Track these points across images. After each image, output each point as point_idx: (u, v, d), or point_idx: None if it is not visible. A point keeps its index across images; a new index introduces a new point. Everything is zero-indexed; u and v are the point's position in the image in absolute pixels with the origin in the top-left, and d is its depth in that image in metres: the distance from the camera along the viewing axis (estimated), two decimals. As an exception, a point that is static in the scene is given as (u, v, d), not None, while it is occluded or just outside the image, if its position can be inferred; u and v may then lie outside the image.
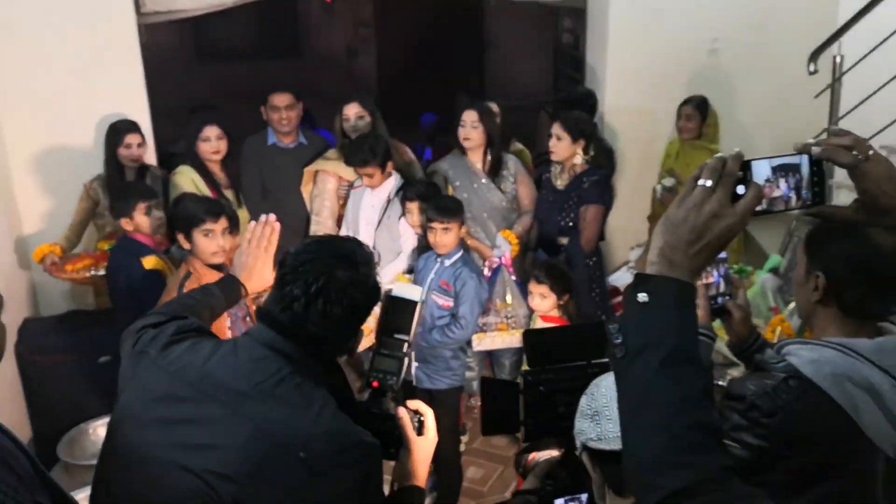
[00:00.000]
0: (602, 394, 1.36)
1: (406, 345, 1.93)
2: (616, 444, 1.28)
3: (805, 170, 1.19)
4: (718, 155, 1.13)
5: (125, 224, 3.53)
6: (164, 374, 1.56)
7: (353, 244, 1.69)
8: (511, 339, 3.96)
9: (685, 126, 4.57)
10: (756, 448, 1.51)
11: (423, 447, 1.75)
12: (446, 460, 3.68)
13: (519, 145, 4.66)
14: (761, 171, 1.16)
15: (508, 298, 4.02)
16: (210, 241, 3.08)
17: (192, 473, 1.44)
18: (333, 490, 1.45)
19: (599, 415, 1.34)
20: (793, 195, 1.18)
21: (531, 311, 3.87)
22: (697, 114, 4.53)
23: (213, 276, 3.12)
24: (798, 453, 1.51)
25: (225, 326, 3.18)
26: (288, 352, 1.55)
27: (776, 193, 1.17)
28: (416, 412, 1.77)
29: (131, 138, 4.07)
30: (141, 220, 3.53)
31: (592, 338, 1.68)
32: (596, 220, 4.01)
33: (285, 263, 1.62)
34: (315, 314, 1.55)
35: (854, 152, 1.20)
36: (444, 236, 3.53)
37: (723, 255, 1.97)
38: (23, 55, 4.07)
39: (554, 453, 1.74)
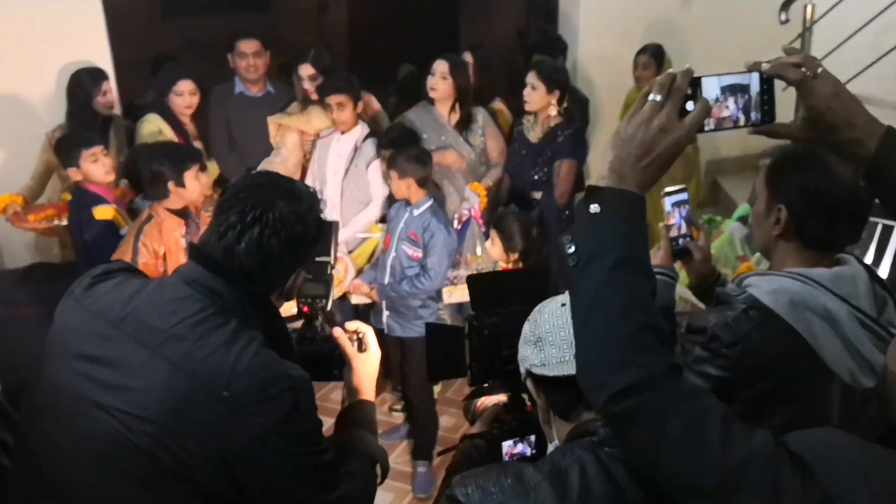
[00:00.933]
0: (545, 319, 1.35)
1: (329, 266, 1.95)
2: (559, 370, 1.29)
3: (755, 89, 1.20)
4: (669, 71, 1.14)
5: (73, 174, 3.50)
6: (86, 313, 1.52)
7: (299, 182, 1.65)
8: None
9: (641, 75, 4.55)
10: (717, 379, 1.53)
11: (366, 362, 1.78)
12: (421, 407, 3.73)
13: (500, 104, 4.56)
14: (711, 89, 1.17)
15: (479, 251, 4.02)
16: (197, 183, 3.13)
17: (106, 413, 1.41)
18: (259, 424, 1.41)
19: (542, 341, 1.33)
20: (741, 115, 1.20)
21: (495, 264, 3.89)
22: (653, 62, 4.51)
23: (174, 223, 3.15)
24: (758, 382, 1.54)
25: (179, 239, 3.21)
26: (215, 289, 1.50)
27: (725, 113, 1.19)
28: (356, 332, 1.79)
29: (107, 85, 4.03)
30: (89, 168, 3.48)
31: (537, 283, 1.68)
32: (570, 175, 3.98)
33: (225, 192, 1.58)
34: (250, 245, 1.50)
35: (803, 69, 1.21)
36: (396, 186, 3.56)
37: (684, 196, 1.98)
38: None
39: (501, 398, 1.75)
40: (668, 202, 1.95)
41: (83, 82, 3.99)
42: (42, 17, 4.07)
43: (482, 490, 1.20)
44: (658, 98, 1.11)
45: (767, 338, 1.53)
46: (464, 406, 1.85)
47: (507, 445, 1.65)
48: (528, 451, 1.66)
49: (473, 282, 1.69)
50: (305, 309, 1.78)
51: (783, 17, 4.54)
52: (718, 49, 5.18)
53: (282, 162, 4.08)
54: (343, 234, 4.02)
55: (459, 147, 4.11)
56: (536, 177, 4.02)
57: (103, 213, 3.40)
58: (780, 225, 1.61)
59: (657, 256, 1.94)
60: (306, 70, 4.17)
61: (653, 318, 1.09)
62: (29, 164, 4.08)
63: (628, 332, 1.06)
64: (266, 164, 4.02)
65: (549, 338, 1.32)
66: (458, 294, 3.96)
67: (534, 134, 4.04)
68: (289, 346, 1.63)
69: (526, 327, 1.39)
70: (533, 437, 1.66)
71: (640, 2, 5.06)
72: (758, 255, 3.66)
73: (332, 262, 1.95)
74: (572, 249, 1.12)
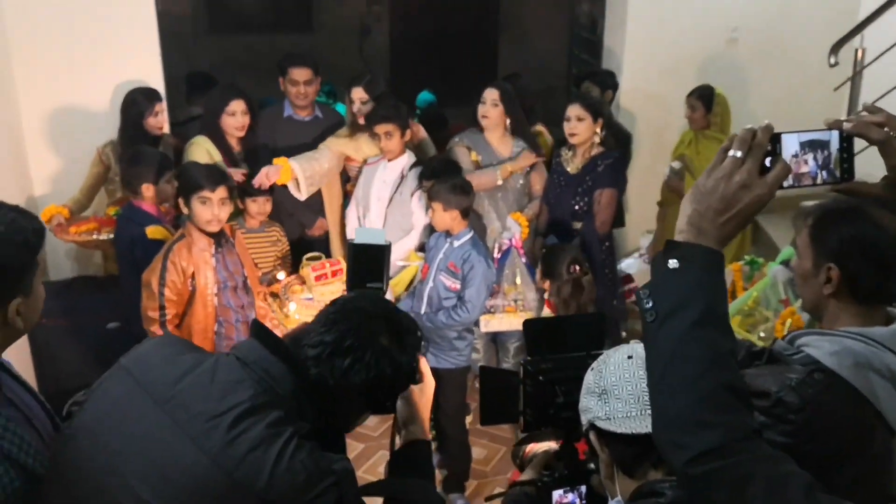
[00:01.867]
0: (611, 371, 1.34)
1: (381, 293, 1.89)
2: (625, 426, 1.28)
3: (834, 146, 1.19)
4: (749, 126, 1.14)
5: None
6: (133, 385, 1.43)
7: (408, 321, 1.59)
8: (519, 321, 3.94)
9: (691, 116, 4.56)
10: (781, 445, 1.46)
11: (423, 392, 1.75)
12: (454, 438, 3.71)
13: (540, 127, 4.63)
14: (790, 146, 1.17)
15: (518, 281, 4.02)
16: (205, 208, 3.12)
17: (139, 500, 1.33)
18: None
19: (608, 393, 1.32)
20: (820, 172, 1.19)
21: (540, 294, 3.88)
22: (700, 104, 4.51)
23: (205, 242, 3.17)
24: (824, 445, 1.50)
25: (209, 293, 3.22)
26: (272, 373, 1.42)
27: (804, 169, 1.18)
28: None
29: (159, 106, 4.06)
30: (148, 193, 3.54)
31: (593, 328, 1.67)
32: (611, 204, 3.99)
33: (336, 302, 1.55)
34: (335, 370, 1.45)
35: (885, 129, 1.20)
36: (437, 216, 3.55)
37: None
38: (41, 17, 4.04)
39: (552, 444, 1.74)
40: None
41: (137, 101, 4.03)
42: (98, 33, 4.14)
43: None
44: (739, 154, 1.11)
45: (834, 401, 1.50)
46: (512, 451, 1.84)
47: (557, 494, 1.64)
48: (578, 502, 1.65)
49: (530, 327, 1.68)
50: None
51: (832, 59, 4.51)
52: (765, 89, 5.19)
53: (318, 163, 4.08)
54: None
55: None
56: (577, 206, 4.02)
57: (155, 232, 3.44)
58: (831, 283, 1.58)
59: None
60: (358, 94, 4.22)
61: (734, 376, 1.08)
62: (80, 177, 4.14)
63: (709, 390, 1.05)
64: (304, 160, 4.02)
65: (614, 391, 1.31)
66: (496, 323, 3.96)
67: (573, 165, 4.04)
68: (340, 435, 1.58)
69: (589, 377, 1.38)
70: (584, 488, 1.65)
71: (687, 39, 5.05)
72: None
73: (384, 288, 1.91)
74: (650, 304, 1.12)
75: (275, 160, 3.94)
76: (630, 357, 1.34)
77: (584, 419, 1.38)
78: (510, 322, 3.97)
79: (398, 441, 1.75)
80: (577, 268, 3.47)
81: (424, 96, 6.46)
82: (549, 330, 1.70)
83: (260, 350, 1.44)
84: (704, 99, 4.49)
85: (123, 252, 3.59)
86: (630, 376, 1.31)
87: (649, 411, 1.23)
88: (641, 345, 1.36)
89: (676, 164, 4.62)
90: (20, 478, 1.48)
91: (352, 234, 4.20)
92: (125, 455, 1.37)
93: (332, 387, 1.45)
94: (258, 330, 1.50)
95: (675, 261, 1.11)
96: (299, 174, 3.98)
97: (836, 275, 1.57)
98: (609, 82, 4.70)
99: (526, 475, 1.71)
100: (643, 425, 1.25)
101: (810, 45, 5.00)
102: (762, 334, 3.70)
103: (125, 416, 1.41)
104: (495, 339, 4.39)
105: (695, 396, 1.05)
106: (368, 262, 1.88)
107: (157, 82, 4.29)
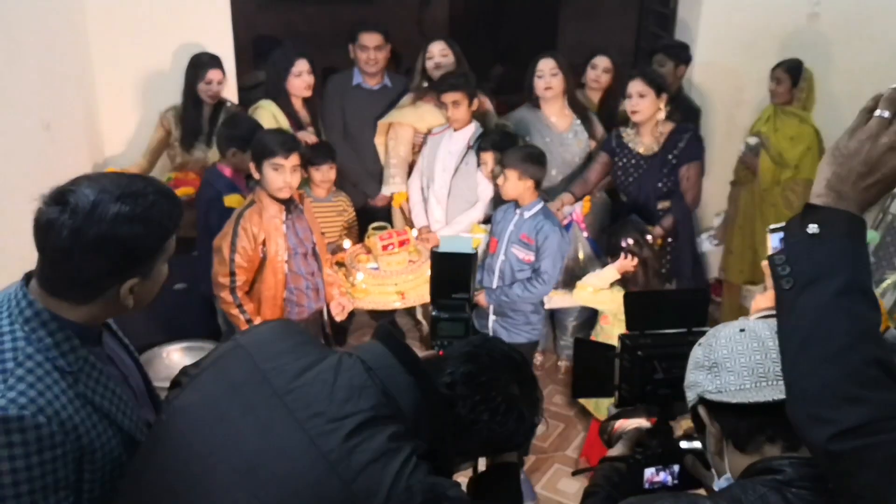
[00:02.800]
0: (722, 345, 1.27)
1: (467, 304, 1.86)
2: (738, 397, 1.22)
3: None
4: (895, 85, 1.08)
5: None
6: (253, 370, 1.39)
7: (537, 380, 1.58)
8: (581, 298, 3.90)
9: (775, 90, 4.37)
10: None
11: None
12: None
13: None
14: None
15: (581, 256, 3.95)
16: (278, 175, 3.10)
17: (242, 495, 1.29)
18: None
19: (719, 366, 1.25)
20: None
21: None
22: (788, 77, 4.32)
23: (275, 209, 3.17)
24: None
25: (280, 260, 3.20)
26: (398, 382, 1.37)
27: None
28: None
29: (213, 74, 4.00)
30: (234, 159, 3.56)
31: (694, 304, 1.61)
32: (699, 178, 3.88)
33: (471, 341, 1.54)
34: (466, 399, 1.43)
35: None
36: (507, 184, 3.48)
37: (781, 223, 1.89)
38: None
39: (643, 422, 1.69)
40: (774, 238, 1.79)
41: (192, 67, 4.03)
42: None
43: None
44: (886, 114, 1.05)
45: None
46: (600, 426, 1.79)
47: (649, 472, 1.59)
48: (671, 481, 1.60)
49: (630, 300, 1.63)
50: (441, 353, 1.60)
51: (920, 37, 4.31)
52: (842, 68, 4.99)
53: (393, 178, 4.20)
54: (446, 233, 4.01)
55: (564, 149, 4.04)
56: (662, 186, 3.86)
57: (232, 201, 3.44)
58: None
59: (766, 297, 1.84)
60: (438, 46, 4.14)
61: (883, 351, 1.02)
62: (147, 140, 4.17)
63: (857, 364, 1.00)
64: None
65: (726, 363, 1.25)
66: (558, 299, 3.89)
67: (643, 145, 3.87)
68: (450, 462, 1.52)
69: (698, 352, 1.32)
70: (676, 467, 1.60)
71: (766, 12, 4.86)
72: (885, 283, 3.48)
73: (471, 298, 1.87)
74: (787, 271, 1.06)
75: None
76: (742, 330, 1.28)
77: (692, 394, 1.31)
78: (573, 299, 3.90)
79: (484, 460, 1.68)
80: (631, 241, 3.44)
81: (497, 69, 6.43)
82: (650, 304, 1.65)
83: (388, 357, 1.40)
84: (792, 72, 4.31)
85: (200, 215, 3.61)
86: (743, 349, 1.25)
87: (764, 384, 1.22)
88: (753, 319, 1.30)
89: (753, 140, 4.47)
90: (116, 437, 1.47)
91: (416, 204, 4.18)
92: (227, 444, 1.33)
93: (456, 414, 1.43)
94: (387, 336, 1.45)
95: (815, 226, 1.05)
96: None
97: None
98: (683, 56, 4.54)
99: (616, 451, 1.66)
100: (759, 396, 1.20)
101: (893, 18, 4.79)
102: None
103: (241, 400, 1.37)
104: (553, 315, 4.34)
105: (841, 370, 1.00)
106: (454, 271, 1.83)
107: (227, 48, 4.27)
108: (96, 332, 1.55)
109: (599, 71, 4.27)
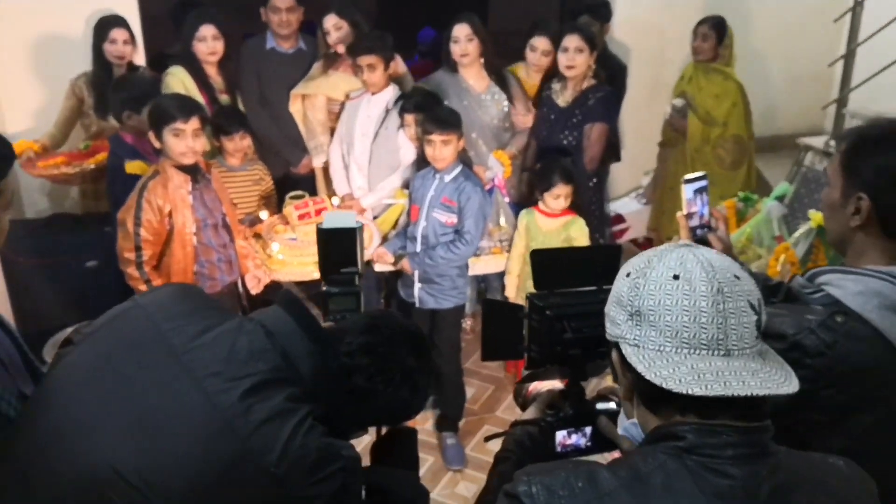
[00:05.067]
0: (649, 291, 1.12)
1: (357, 276, 1.88)
2: (654, 369, 1.09)
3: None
4: None
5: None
6: (151, 327, 1.40)
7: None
8: (504, 262, 3.89)
9: (700, 46, 4.36)
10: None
11: None
12: (450, 378, 3.65)
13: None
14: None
15: (502, 221, 3.93)
16: (179, 140, 2.98)
17: (116, 473, 1.28)
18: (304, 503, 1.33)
19: (642, 316, 1.12)
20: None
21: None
22: (713, 34, 4.32)
23: (181, 179, 3.05)
24: (842, 391, 1.41)
25: (188, 232, 3.09)
26: (298, 351, 1.40)
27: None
28: None
29: (116, 33, 3.88)
30: (130, 123, 3.40)
31: (605, 261, 1.56)
32: (601, 139, 3.88)
33: (372, 313, 1.59)
34: (363, 368, 1.47)
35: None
36: (444, 149, 3.39)
37: (704, 182, 1.88)
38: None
39: (557, 384, 1.65)
40: (688, 189, 1.85)
41: (96, 29, 3.91)
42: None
43: (548, 491, 1.10)
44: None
45: (856, 346, 1.40)
46: (514, 389, 1.75)
47: (560, 435, 1.54)
48: (583, 443, 1.56)
49: (537, 257, 1.57)
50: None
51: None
52: (761, 23, 5.05)
53: (318, 147, 4.12)
54: (369, 200, 3.94)
55: (482, 111, 3.99)
56: (566, 141, 3.90)
57: (134, 167, 3.30)
58: (859, 215, 1.47)
59: None
60: (331, 20, 4.01)
61: None
62: (56, 111, 4.00)
63: None
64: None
65: (650, 316, 1.11)
66: (482, 265, 3.87)
67: (563, 98, 3.90)
68: (347, 428, 1.54)
69: (623, 286, 1.17)
70: (589, 429, 1.56)
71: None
72: (796, 234, 3.54)
73: (359, 271, 1.89)
74: None
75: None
76: (677, 277, 1.11)
77: (610, 332, 1.20)
78: (497, 263, 3.89)
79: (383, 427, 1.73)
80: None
81: (427, 32, 6.30)
82: (558, 262, 1.60)
83: (289, 323, 1.42)
84: (718, 28, 4.30)
85: (109, 184, 3.49)
86: (672, 303, 1.10)
87: (686, 350, 1.09)
88: (692, 258, 1.13)
89: (679, 102, 4.47)
90: None
91: (338, 172, 4.08)
92: (119, 398, 1.33)
93: (353, 383, 1.46)
94: (289, 302, 1.46)
95: None
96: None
97: (867, 206, 1.46)
98: (605, 14, 4.51)
99: (529, 414, 1.61)
100: (675, 375, 1.07)
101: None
102: (754, 269, 3.64)
103: (137, 358, 1.38)
104: (482, 279, 4.32)
105: None
106: (340, 246, 1.86)
107: (132, 9, 4.10)
108: None
109: (539, 54, 4.05)
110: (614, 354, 1.20)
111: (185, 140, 2.97)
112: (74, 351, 1.45)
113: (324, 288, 1.91)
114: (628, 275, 1.18)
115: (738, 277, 1.11)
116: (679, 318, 1.08)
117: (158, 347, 1.37)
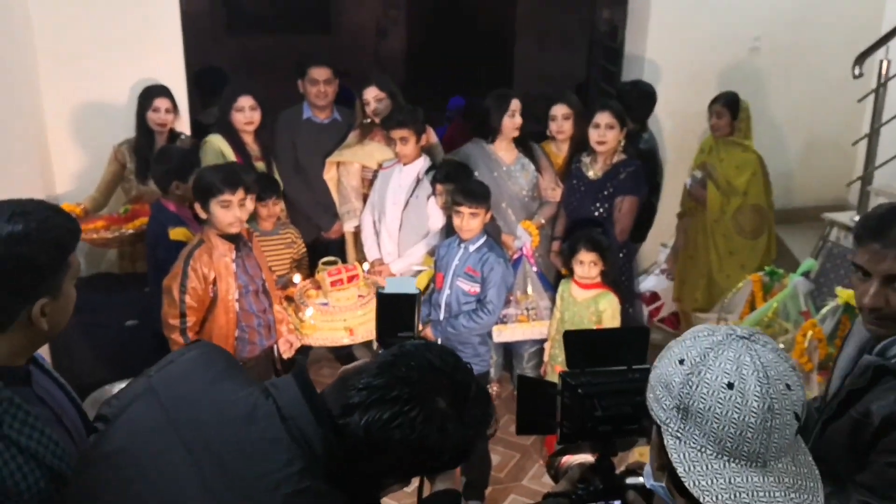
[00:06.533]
0: (701, 394, 1.13)
1: (412, 340, 1.84)
2: (693, 473, 1.13)
3: None
4: None
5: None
6: (155, 407, 1.35)
7: (485, 395, 1.42)
8: (532, 330, 3.95)
9: (716, 124, 4.49)
10: None
11: None
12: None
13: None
14: None
15: (529, 290, 4.00)
16: (227, 211, 3.08)
17: None
18: None
19: (689, 413, 1.14)
20: None
21: (552, 303, 3.87)
22: (727, 111, 4.45)
23: (225, 248, 3.14)
24: None
25: (231, 299, 3.17)
26: (308, 436, 1.28)
27: None
28: None
29: (160, 102, 4.03)
30: (177, 192, 3.52)
31: (635, 342, 1.63)
32: (631, 212, 3.98)
33: (400, 346, 1.39)
34: (375, 421, 1.28)
35: None
36: (471, 221, 3.51)
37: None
38: (67, 14, 4.04)
39: (588, 457, 1.70)
40: None
41: (141, 97, 4.06)
42: (122, 30, 4.14)
43: None
44: None
45: None
46: (547, 462, 1.80)
47: None
48: (612, 517, 1.62)
49: (570, 337, 1.64)
50: None
51: (857, 71, 4.47)
52: (787, 99, 5.17)
53: (351, 212, 4.24)
54: (398, 266, 4.04)
55: (512, 182, 4.10)
56: (596, 213, 3.99)
57: (178, 234, 3.40)
58: None
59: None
60: (371, 92, 4.18)
61: None
62: (100, 175, 4.13)
63: None
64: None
65: (698, 417, 1.14)
66: (508, 333, 3.94)
67: (593, 171, 4.01)
68: (377, 480, 1.41)
69: (674, 373, 1.18)
70: (618, 503, 1.61)
71: (709, 47, 5.03)
72: (823, 310, 3.59)
73: (415, 335, 1.91)
74: None
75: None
76: (731, 386, 1.12)
77: (655, 412, 1.22)
78: (523, 332, 3.95)
79: (427, 488, 1.67)
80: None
81: (457, 100, 6.49)
82: (590, 342, 1.67)
83: (301, 405, 1.31)
84: (731, 105, 4.43)
85: (150, 249, 3.58)
86: (721, 412, 1.11)
87: (726, 458, 1.12)
88: (749, 363, 1.14)
89: (698, 173, 4.58)
90: (45, 478, 1.46)
91: (369, 238, 4.19)
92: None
93: (366, 442, 1.28)
94: (302, 380, 1.36)
95: None
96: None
97: None
98: (648, 103, 4.61)
99: (560, 487, 1.67)
100: (712, 488, 1.11)
101: (833, 55, 4.97)
102: (781, 345, 3.67)
103: (151, 452, 1.31)
104: (509, 346, 4.37)
105: None
106: (399, 311, 1.89)
107: (179, 81, 4.28)
108: (22, 372, 1.54)
109: (560, 120, 4.13)
110: (654, 433, 1.25)
111: (233, 210, 3.07)
112: (97, 445, 1.40)
113: (380, 352, 1.88)
114: (681, 362, 1.18)
115: (789, 387, 1.13)
116: (726, 428, 1.11)
117: (171, 440, 1.30)
